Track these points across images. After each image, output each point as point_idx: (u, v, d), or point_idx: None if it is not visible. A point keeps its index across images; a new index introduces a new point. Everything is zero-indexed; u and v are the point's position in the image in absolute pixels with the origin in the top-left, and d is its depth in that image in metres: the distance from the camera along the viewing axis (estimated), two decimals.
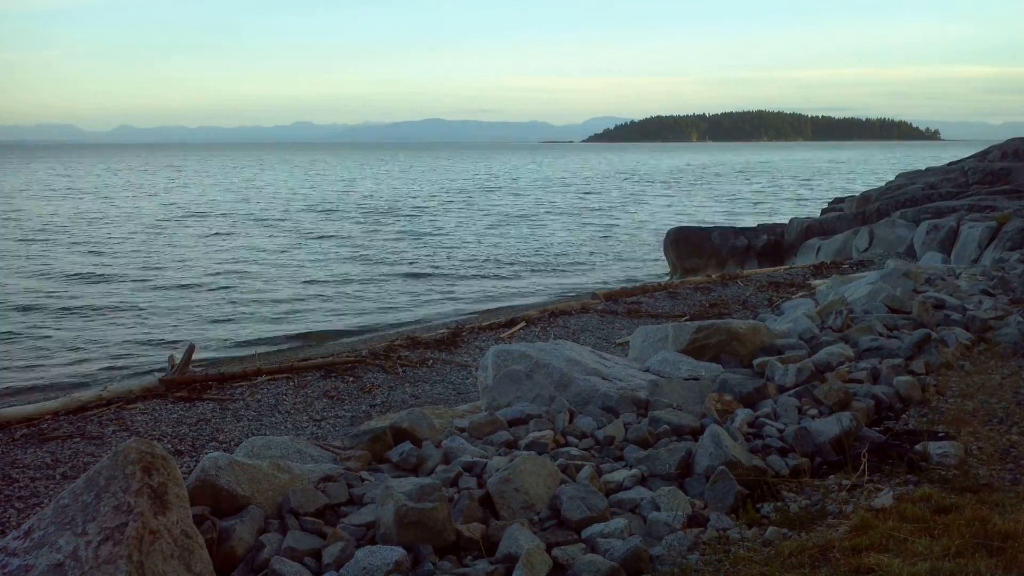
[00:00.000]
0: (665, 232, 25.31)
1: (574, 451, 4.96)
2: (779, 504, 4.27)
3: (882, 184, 31.19)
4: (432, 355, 10.05)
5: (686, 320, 10.49)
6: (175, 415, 7.65)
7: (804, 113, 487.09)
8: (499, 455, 4.87)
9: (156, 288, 20.49)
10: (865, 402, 5.81)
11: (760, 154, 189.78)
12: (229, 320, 16.75)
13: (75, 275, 22.47)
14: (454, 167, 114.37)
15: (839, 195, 37.13)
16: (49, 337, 15.04)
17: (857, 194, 27.74)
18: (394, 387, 8.70)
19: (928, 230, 17.54)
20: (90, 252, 27.22)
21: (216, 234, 32.79)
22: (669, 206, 48.04)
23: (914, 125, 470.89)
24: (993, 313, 8.70)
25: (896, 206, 21.51)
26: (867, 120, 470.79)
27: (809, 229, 22.38)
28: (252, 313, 17.46)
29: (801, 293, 13.10)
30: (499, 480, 4.19)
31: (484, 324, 12.08)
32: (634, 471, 4.61)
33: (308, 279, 21.97)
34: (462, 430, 5.50)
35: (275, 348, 13.82)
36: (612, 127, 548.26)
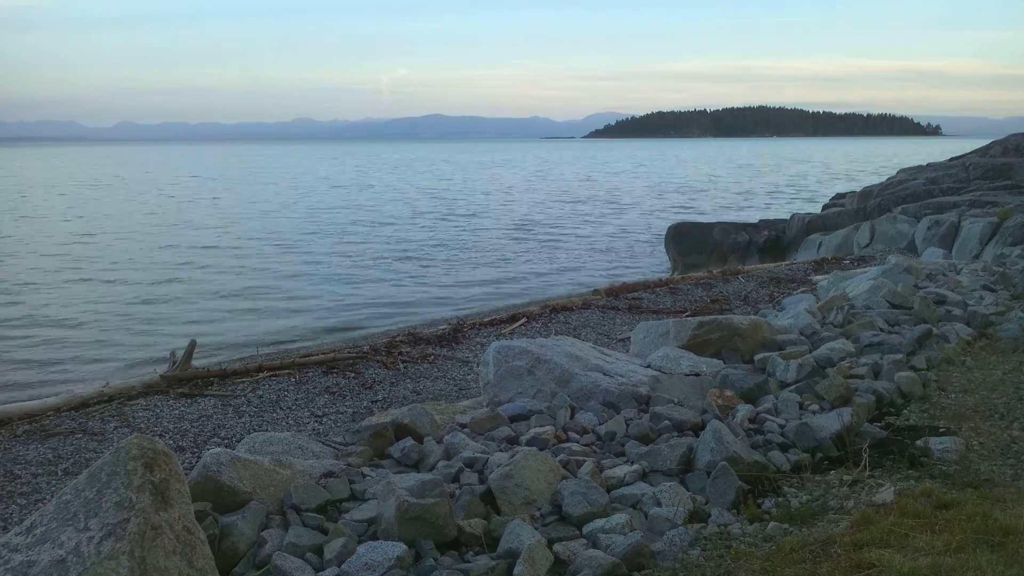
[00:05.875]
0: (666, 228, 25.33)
1: (575, 447, 4.97)
2: (780, 500, 4.27)
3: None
4: (433, 351, 10.04)
5: (687, 316, 10.48)
6: (177, 411, 7.65)
7: (805, 109, 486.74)
8: (500, 451, 4.87)
9: (158, 286, 20.50)
10: (866, 398, 5.81)
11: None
12: (230, 317, 16.76)
13: (80, 272, 22.49)
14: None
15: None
16: (51, 334, 15.06)
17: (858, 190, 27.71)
18: (395, 383, 8.69)
19: (929, 226, 17.53)
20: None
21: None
22: None
23: (915, 121, 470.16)
24: (994, 309, 8.70)
25: (897, 201, 21.50)
26: (868, 116, 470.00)
27: (810, 225, 22.36)
28: (254, 311, 17.47)
29: (802, 289, 13.09)
30: (500, 476, 4.19)
31: (485, 320, 12.07)
32: (635, 467, 4.62)
33: (317, 275, 21.99)
34: (463, 426, 5.51)
35: (277, 345, 13.82)
36: (613, 123, 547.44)
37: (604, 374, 6.37)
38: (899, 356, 6.78)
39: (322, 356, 9.73)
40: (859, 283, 10.17)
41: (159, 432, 7.02)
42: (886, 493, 4.09)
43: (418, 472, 4.63)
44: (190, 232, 32.20)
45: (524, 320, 11.74)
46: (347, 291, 19.74)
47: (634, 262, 25.74)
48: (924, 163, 29.59)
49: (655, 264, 24.99)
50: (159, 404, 7.86)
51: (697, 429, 5.20)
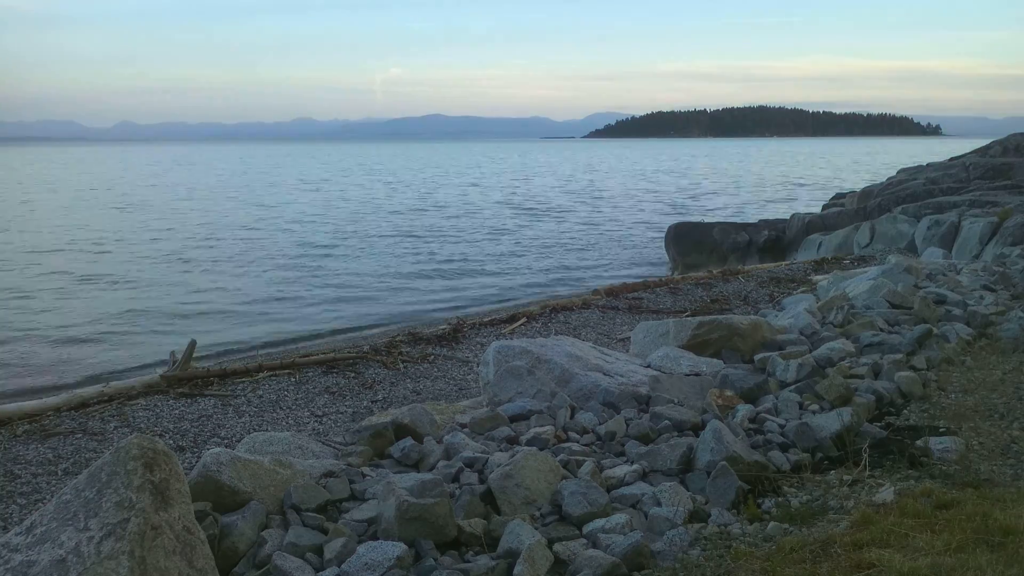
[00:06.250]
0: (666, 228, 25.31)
1: (575, 447, 4.96)
2: (780, 499, 4.27)
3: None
4: (433, 351, 10.04)
5: (687, 316, 10.48)
6: (177, 411, 7.65)
7: (805, 109, 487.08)
8: (500, 451, 4.87)
9: (159, 284, 20.50)
10: (866, 397, 5.81)
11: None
12: (231, 317, 16.76)
13: (78, 270, 22.49)
14: None
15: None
16: (51, 334, 15.05)
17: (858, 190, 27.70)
18: (395, 383, 8.69)
19: (929, 225, 17.53)
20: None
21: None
22: None
23: (915, 121, 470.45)
24: (994, 308, 8.70)
25: (897, 201, 21.49)
26: (868, 116, 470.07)
27: (810, 225, 22.36)
28: (254, 310, 17.47)
29: (802, 289, 13.09)
30: (500, 476, 4.19)
31: (485, 320, 12.07)
32: (635, 466, 4.62)
33: (314, 274, 21.99)
34: (463, 426, 5.51)
35: (278, 345, 13.82)
36: (613, 123, 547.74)
37: (604, 374, 6.37)
38: (899, 356, 6.78)
39: (322, 356, 9.73)
40: (859, 283, 10.17)
41: (159, 432, 7.03)
42: (886, 493, 4.08)
43: (418, 472, 4.63)
44: (189, 231, 32.19)
45: (524, 320, 11.74)
46: (346, 290, 19.74)
47: (634, 262, 25.73)
48: (924, 163, 29.59)
49: (655, 264, 24.99)
50: (159, 404, 7.87)
51: (697, 429, 5.20)
